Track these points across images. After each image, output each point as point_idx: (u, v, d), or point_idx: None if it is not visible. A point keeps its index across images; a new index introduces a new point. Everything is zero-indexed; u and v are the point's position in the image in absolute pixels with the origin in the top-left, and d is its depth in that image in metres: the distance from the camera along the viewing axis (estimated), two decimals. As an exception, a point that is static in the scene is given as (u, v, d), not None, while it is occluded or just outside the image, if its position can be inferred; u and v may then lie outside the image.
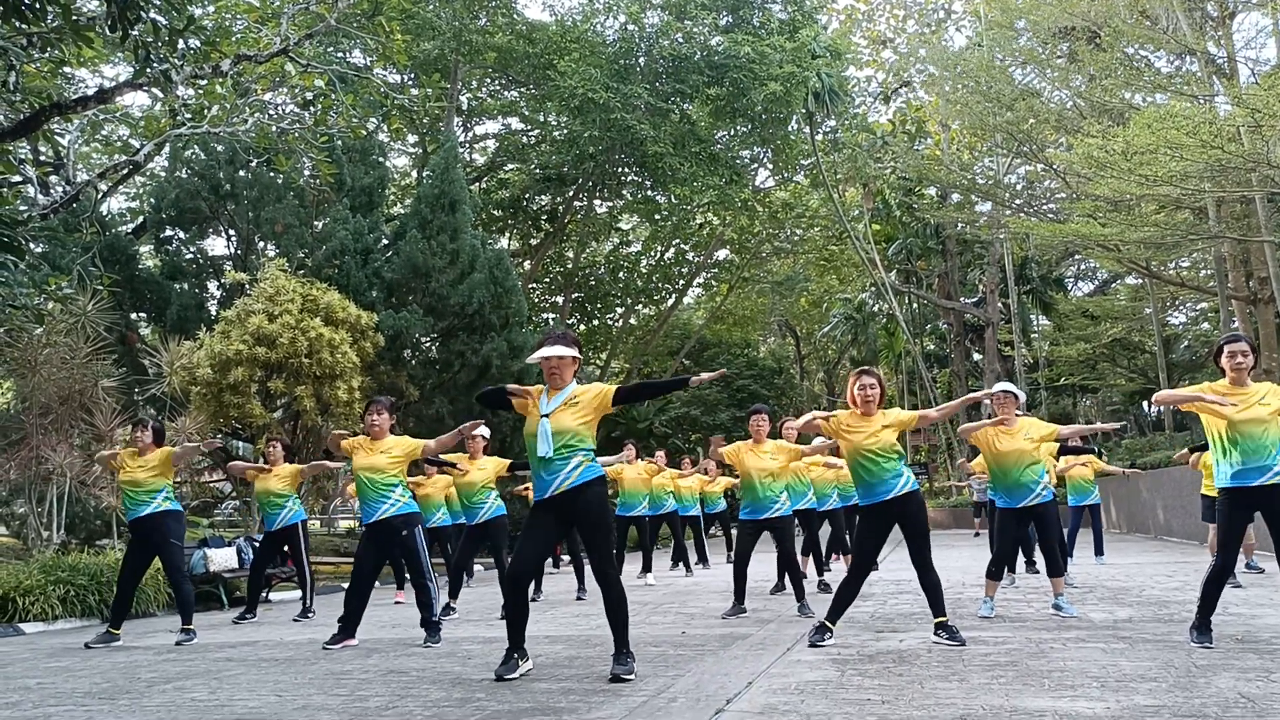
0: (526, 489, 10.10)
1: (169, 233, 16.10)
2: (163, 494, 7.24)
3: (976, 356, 36.62)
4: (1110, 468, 12.55)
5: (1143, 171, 15.90)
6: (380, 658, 5.82)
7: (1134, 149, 15.62)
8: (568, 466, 4.82)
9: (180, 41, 7.72)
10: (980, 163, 31.15)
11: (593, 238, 30.21)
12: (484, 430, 8.46)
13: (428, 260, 15.32)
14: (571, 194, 26.49)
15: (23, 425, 11.31)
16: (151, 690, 4.95)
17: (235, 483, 14.12)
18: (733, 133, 25.72)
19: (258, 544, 9.44)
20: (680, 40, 23.38)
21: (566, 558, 14.50)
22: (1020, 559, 10.10)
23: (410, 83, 23.25)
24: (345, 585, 6.96)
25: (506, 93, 26.24)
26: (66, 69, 12.65)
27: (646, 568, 11.46)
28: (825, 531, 10.76)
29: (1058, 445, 8.61)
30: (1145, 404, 35.73)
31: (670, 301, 31.63)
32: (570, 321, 28.91)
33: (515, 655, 4.86)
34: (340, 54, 20.76)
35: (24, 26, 7.00)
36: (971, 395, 6.67)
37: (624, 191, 27.31)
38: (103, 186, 11.29)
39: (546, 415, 4.89)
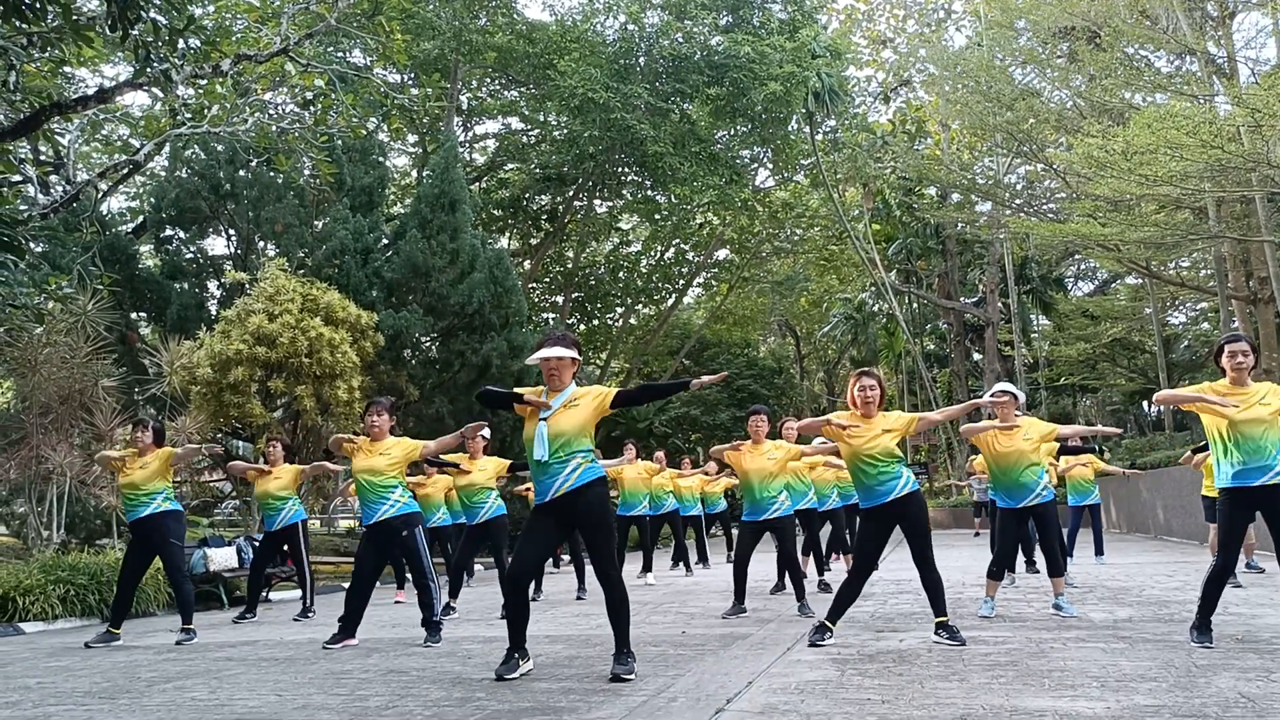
0: (527, 489, 10.10)
1: (169, 232, 16.10)
2: (162, 495, 7.24)
3: (976, 356, 36.62)
4: (1110, 468, 12.55)
5: (1143, 171, 15.90)
6: (380, 657, 5.82)
7: (1134, 149, 15.63)
8: (567, 468, 4.82)
9: (180, 41, 7.72)
10: (980, 162, 31.15)
11: (593, 237, 30.22)
12: (485, 431, 8.46)
13: (428, 260, 15.32)
14: (571, 194, 26.49)
15: (23, 425, 11.30)
16: (151, 690, 4.95)
17: (235, 482, 14.11)
18: (733, 133, 25.72)
19: (257, 544, 9.44)
20: (680, 40, 23.38)
21: (566, 557, 14.51)
22: (1020, 559, 10.10)
23: (410, 82, 23.26)
24: (345, 585, 6.96)
25: (506, 92, 26.25)
26: (67, 68, 12.65)
27: (647, 567, 11.46)
28: (825, 531, 10.76)
29: (1057, 445, 8.62)
30: (1145, 404, 35.75)
31: (670, 301, 31.63)
32: (570, 321, 28.91)
33: (516, 655, 4.86)
34: (340, 54, 20.76)
35: (24, 26, 7.00)
36: (974, 401, 6.65)
37: (624, 191, 27.32)
38: (103, 186, 11.29)
39: (545, 419, 4.88)
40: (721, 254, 32.03)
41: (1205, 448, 6.27)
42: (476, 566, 13.48)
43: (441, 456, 8.09)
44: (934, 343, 40.13)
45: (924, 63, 30.16)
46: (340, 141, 14.81)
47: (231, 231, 16.26)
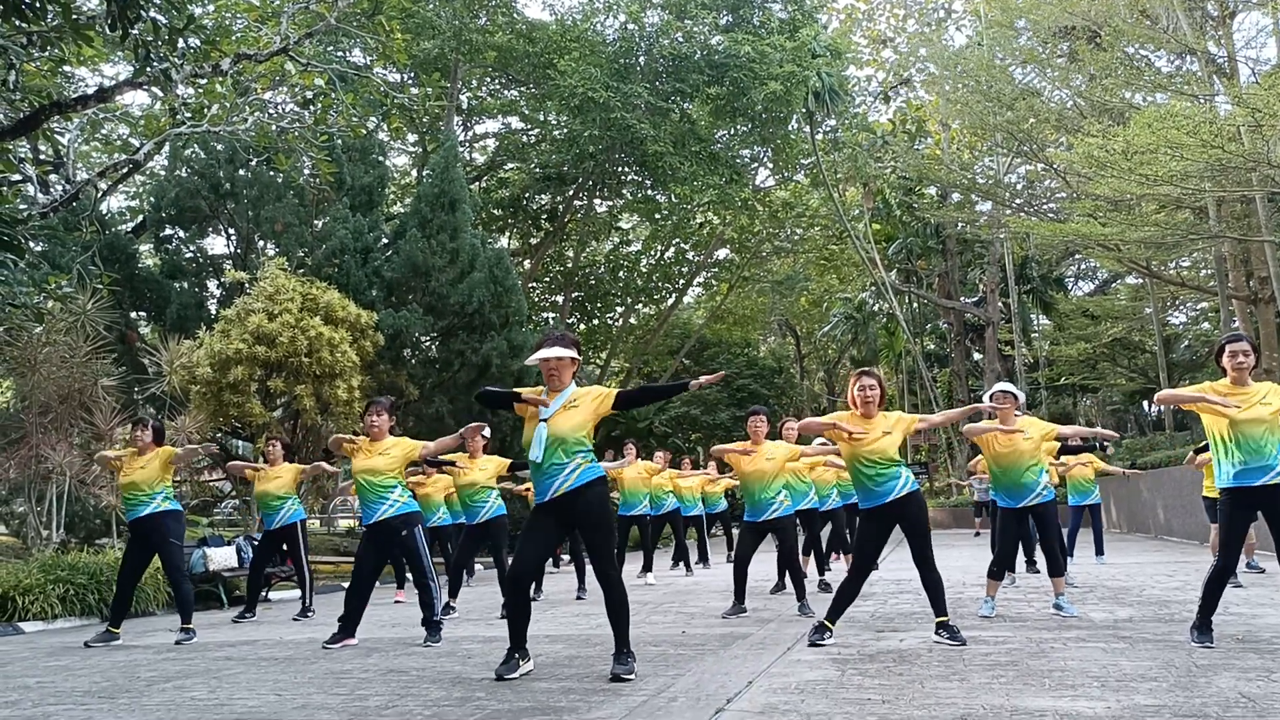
0: (526, 489, 10.09)
1: (169, 231, 16.10)
2: (162, 494, 7.24)
3: (977, 356, 36.62)
4: (1111, 467, 12.55)
5: (1143, 171, 15.90)
6: (380, 657, 5.81)
7: (1134, 148, 15.62)
8: (566, 469, 4.81)
9: (180, 40, 7.71)
10: (980, 162, 31.16)
11: (593, 237, 30.21)
12: (485, 431, 8.45)
13: (427, 259, 15.32)
14: (571, 193, 26.48)
15: (22, 424, 11.30)
16: (151, 689, 4.95)
17: (235, 482, 14.11)
18: (733, 132, 25.71)
19: (257, 543, 9.44)
20: (680, 39, 23.37)
21: (566, 557, 14.50)
22: (1021, 558, 10.10)
23: (410, 82, 23.25)
24: (345, 584, 6.96)
25: (506, 92, 26.24)
26: (66, 68, 12.65)
27: (647, 567, 11.46)
28: (825, 531, 10.76)
29: (1058, 445, 8.62)
30: (1145, 404, 35.75)
31: (670, 301, 31.62)
32: (570, 321, 28.91)
33: (516, 655, 4.85)
34: (340, 53, 20.74)
35: (24, 25, 7.00)
36: (974, 405, 6.64)
37: (624, 191, 27.31)
38: (102, 185, 11.28)
39: (545, 419, 4.88)
40: (721, 253, 32.03)
41: (1207, 448, 6.27)
42: (476, 566, 13.48)
43: (440, 457, 8.08)
44: (934, 342, 40.13)
45: (924, 62, 30.17)
46: (340, 141, 14.80)
47: (231, 231, 16.26)
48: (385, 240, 16.56)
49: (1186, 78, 20.91)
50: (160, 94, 15.44)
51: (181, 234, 16.17)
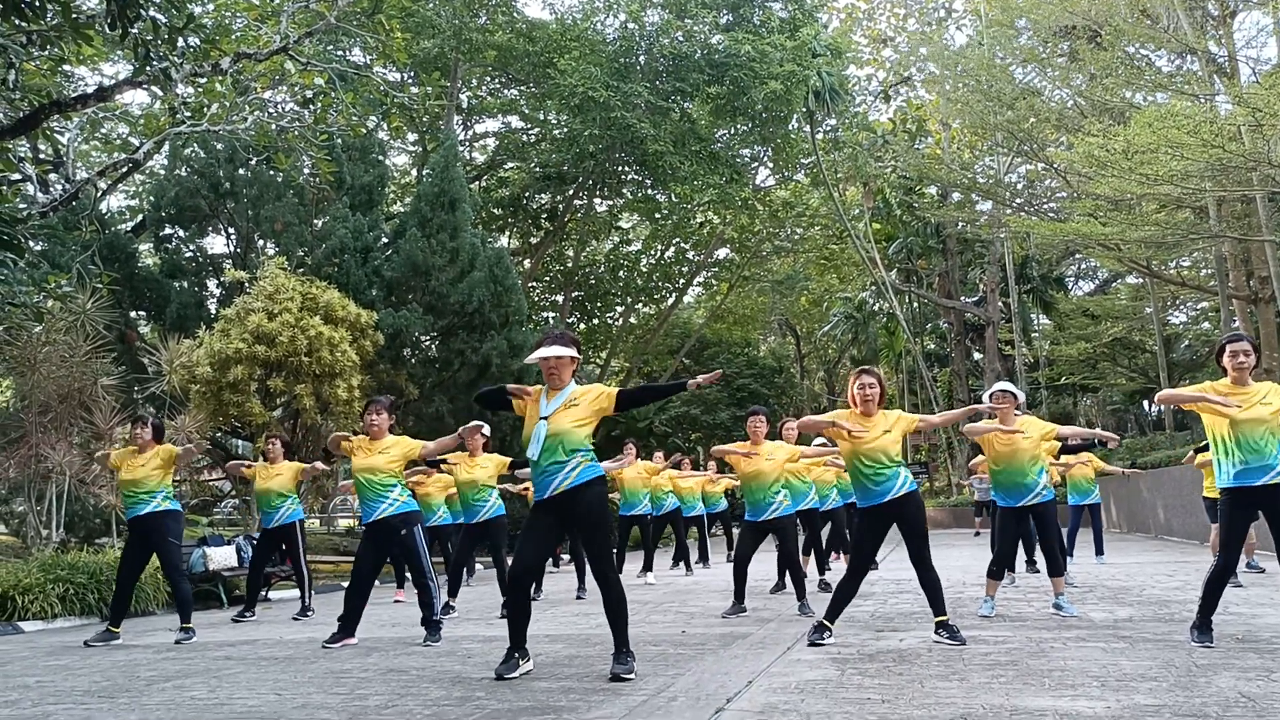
0: (525, 489, 10.09)
1: (168, 231, 16.09)
2: (162, 494, 7.23)
3: (977, 355, 36.62)
4: (1110, 467, 12.55)
5: (1143, 170, 15.90)
6: (380, 656, 5.81)
7: (1135, 148, 15.62)
8: (566, 467, 4.81)
9: (180, 39, 7.71)
10: (981, 161, 31.15)
11: (593, 236, 30.21)
12: (484, 429, 8.45)
13: (427, 259, 15.31)
14: (571, 192, 26.47)
15: (22, 423, 11.30)
16: (151, 688, 4.95)
17: (234, 481, 14.11)
18: (733, 131, 25.71)
19: (255, 542, 9.44)
20: (680, 39, 23.36)
21: (566, 557, 14.50)
22: (1021, 558, 10.09)
23: (410, 81, 23.24)
24: (345, 584, 6.96)
25: (506, 91, 26.23)
26: (66, 67, 12.63)
27: (648, 567, 11.46)
28: (825, 530, 10.75)
29: (1059, 445, 8.62)
30: (1145, 403, 35.76)
31: (670, 300, 31.62)
32: (570, 320, 28.91)
33: (516, 654, 4.85)
34: (340, 52, 20.74)
35: (24, 24, 6.99)
36: (973, 406, 6.63)
37: (624, 190, 27.31)
38: (102, 184, 11.27)
39: (545, 417, 4.88)
40: (722, 253, 32.03)
41: (1205, 447, 6.27)
42: (477, 566, 13.48)
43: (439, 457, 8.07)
44: (934, 342, 40.14)
45: (924, 61, 30.15)
46: (340, 140, 14.79)
47: (231, 230, 16.25)
48: (385, 239, 16.56)
49: (1187, 77, 20.90)
50: (160, 93, 15.44)
51: (181, 233, 16.17)
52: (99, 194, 12.77)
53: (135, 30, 6.92)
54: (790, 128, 26.47)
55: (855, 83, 33.45)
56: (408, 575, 8.16)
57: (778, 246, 31.92)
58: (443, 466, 8.79)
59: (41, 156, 14.45)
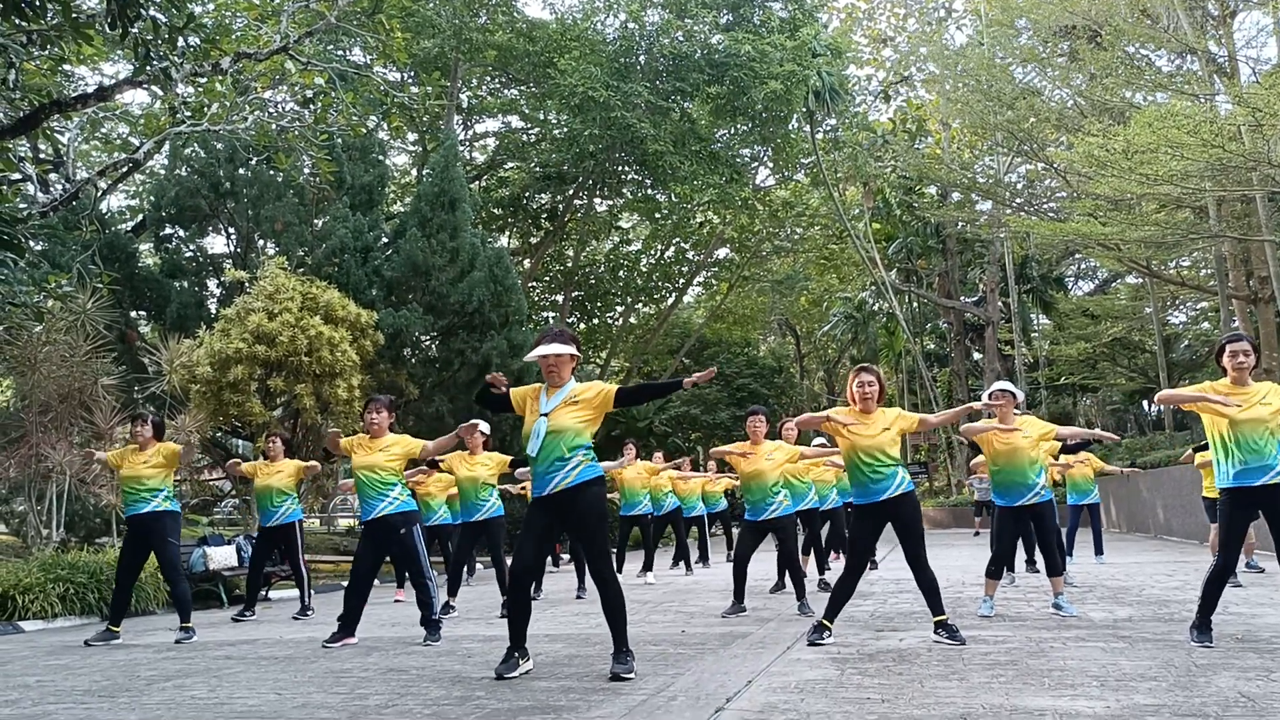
0: (525, 489, 10.09)
1: (169, 230, 16.09)
2: (164, 494, 7.23)
3: (977, 355, 36.62)
4: (1110, 467, 12.56)
5: (1143, 170, 15.90)
6: (380, 656, 5.81)
7: (1135, 148, 15.62)
8: (567, 466, 4.82)
9: (180, 39, 7.71)
10: (981, 161, 31.14)
11: (593, 236, 30.20)
12: (483, 426, 8.46)
13: (427, 258, 15.31)
14: (571, 192, 26.48)
15: (22, 423, 11.30)
16: (151, 688, 4.95)
17: (234, 481, 14.12)
18: (733, 131, 25.71)
19: (255, 541, 9.44)
20: (680, 38, 23.36)
21: (566, 556, 14.50)
22: (1020, 558, 10.10)
23: (410, 81, 23.23)
24: (345, 583, 6.97)
25: (506, 91, 26.23)
26: (66, 66, 12.64)
27: (648, 567, 11.46)
28: (824, 530, 10.76)
29: (1059, 445, 8.63)
30: (1145, 403, 35.76)
31: (670, 300, 31.62)
32: (570, 320, 28.91)
33: (516, 654, 4.85)
34: (340, 52, 20.74)
35: (24, 23, 6.99)
36: (968, 405, 6.61)
37: (624, 190, 27.30)
38: (102, 184, 11.28)
39: (545, 414, 4.88)
40: (721, 253, 32.03)
41: (1204, 446, 6.27)
42: (477, 565, 13.47)
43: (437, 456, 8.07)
44: (934, 342, 40.14)
45: (924, 61, 30.18)
46: (340, 140, 14.79)
47: (231, 230, 16.25)
48: (385, 239, 16.56)
49: (1187, 77, 20.90)
50: (160, 93, 15.44)
51: (181, 233, 16.16)
52: (99, 194, 12.77)
53: (135, 30, 6.92)
54: (790, 128, 26.48)
55: (855, 83, 33.46)
56: (407, 575, 8.16)
57: (778, 246, 31.93)
58: (441, 465, 8.79)
59: (42, 156, 14.46)
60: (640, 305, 31.82)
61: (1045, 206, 26.93)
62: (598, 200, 28.05)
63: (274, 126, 10.16)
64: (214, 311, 14.41)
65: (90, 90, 9.77)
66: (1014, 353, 31.57)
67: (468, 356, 15.69)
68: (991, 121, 24.06)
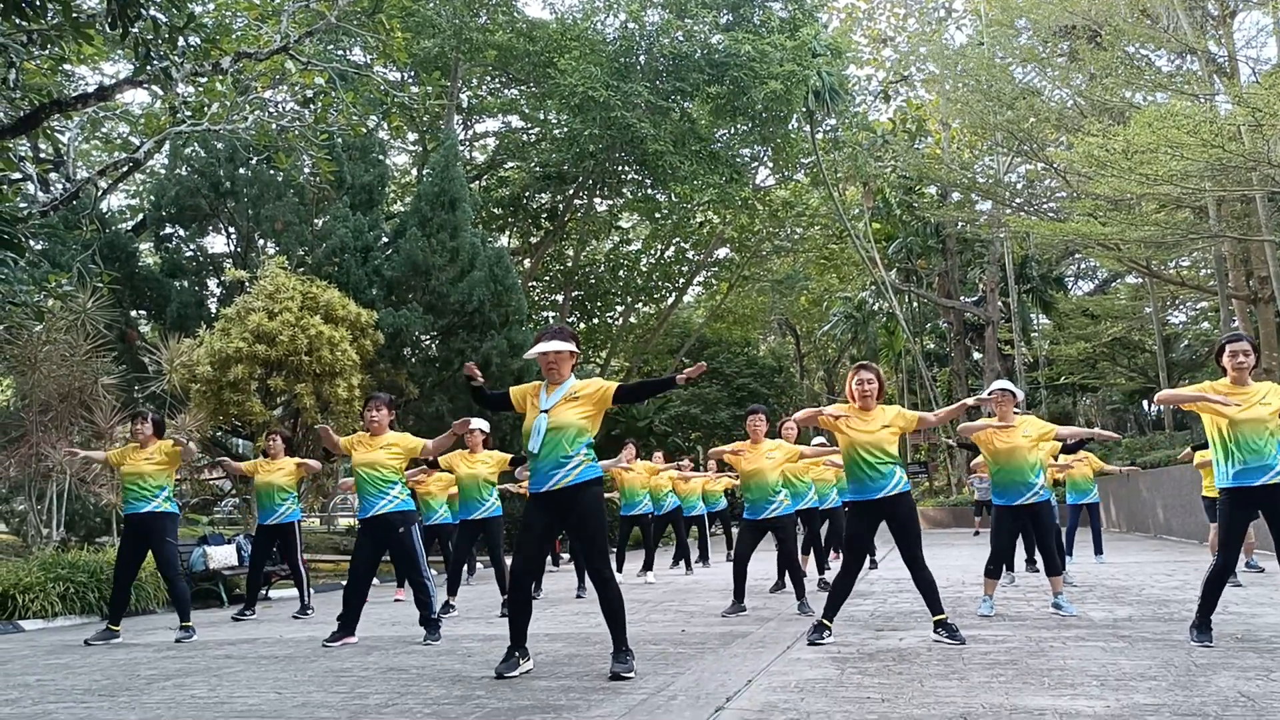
0: (524, 488, 10.09)
1: (169, 230, 16.09)
2: (164, 494, 7.23)
3: (976, 355, 36.64)
4: (1109, 466, 12.56)
5: (1143, 170, 15.90)
6: (380, 655, 5.81)
7: (1134, 148, 15.62)
8: (569, 464, 4.82)
9: (180, 39, 7.71)
10: (980, 161, 31.16)
11: (593, 236, 30.21)
12: (481, 424, 8.46)
13: (428, 258, 15.32)
14: (571, 192, 26.48)
15: (22, 422, 11.30)
16: (151, 687, 4.95)
17: (235, 480, 14.13)
18: (733, 131, 25.71)
19: (253, 540, 9.44)
20: (680, 38, 23.36)
21: (566, 555, 14.50)
22: (1020, 557, 10.10)
23: (410, 80, 23.23)
24: (345, 583, 6.97)
25: (507, 91, 26.24)
26: (67, 66, 12.64)
27: (648, 566, 11.47)
28: (824, 530, 10.76)
29: (1059, 446, 8.63)
30: (1145, 403, 35.77)
31: (670, 300, 31.63)
32: (570, 320, 28.92)
33: (516, 653, 4.85)
34: (340, 51, 20.74)
35: (24, 23, 7.00)
36: (963, 402, 6.51)
37: (624, 190, 27.31)
38: (103, 184, 11.29)
39: (546, 411, 4.89)
40: (721, 252, 32.04)
41: (1204, 445, 6.27)
42: (477, 565, 13.47)
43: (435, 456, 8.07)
44: (934, 342, 40.15)
45: (924, 61, 30.17)
46: (340, 139, 14.79)
47: (231, 229, 16.26)
48: (385, 239, 16.56)
49: (1187, 77, 20.90)
50: (160, 92, 15.44)
51: (182, 232, 16.17)
52: (99, 193, 12.78)
53: (136, 29, 6.92)
54: (790, 127, 26.48)
55: (855, 83, 33.48)
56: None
57: (778, 246, 31.94)
58: (441, 464, 8.79)
59: (42, 156, 14.46)
60: (640, 305, 31.83)
61: (1045, 206, 26.93)
62: (598, 200, 28.05)
63: (274, 126, 10.17)
64: (214, 311, 14.41)
65: (90, 90, 9.77)
66: (1014, 352, 31.58)
67: (468, 356, 15.67)
68: (991, 121, 24.06)
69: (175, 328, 13.63)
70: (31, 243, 8.11)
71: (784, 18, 24.94)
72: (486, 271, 15.98)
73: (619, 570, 11.29)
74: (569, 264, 29.33)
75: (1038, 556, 9.07)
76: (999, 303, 32.79)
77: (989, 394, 6.96)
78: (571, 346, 4.97)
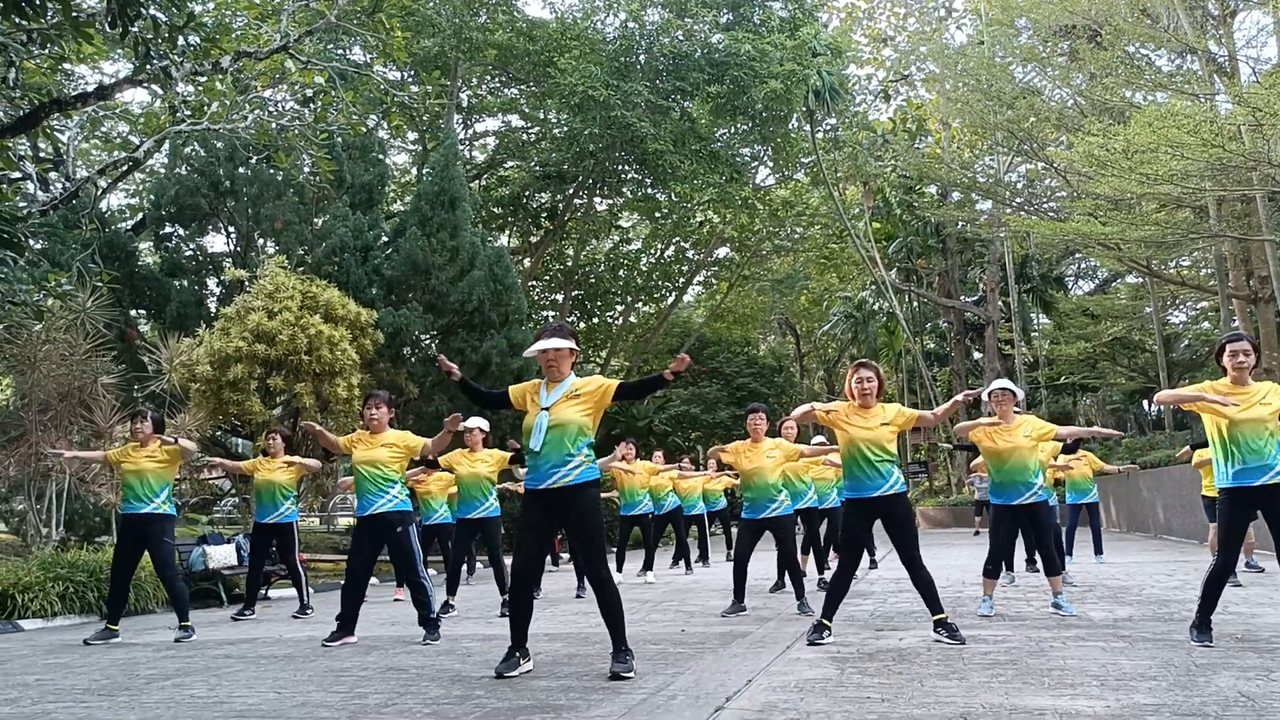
0: (521, 487, 10.07)
1: (169, 229, 16.09)
2: (164, 495, 7.22)
3: (977, 355, 36.63)
4: (1109, 466, 12.55)
5: (1143, 170, 15.89)
6: (379, 655, 5.81)
7: (1135, 147, 15.61)
8: (570, 464, 4.81)
9: (180, 38, 7.70)
10: (981, 161, 31.14)
11: (593, 235, 30.21)
12: (480, 423, 8.46)
13: (427, 257, 15.32)
14: (571, 191, 26.48)
15: (22, 422, 11.30)
16: (150, 687, 4.95)
17: (234, 480, 14.13)
18: (733, 130, 25.71)
19: (251, 539, 9.44)
20: (680, 38, 23.36)
21: (566, 555, 14.49)
22: (1020, 557, 10.09)
23: (410, 80, 23.24)
24: (343, 582, 6.97)
25: (506, 90, 26.23)
26: (66, 65, 12.63)
27: (648, 566, 11.46)
28: (824, 529, 10.75)
29: (1060, 446, 8.62)
30: (1145, 403, 35.75)
31: (670, 299, 31.64)
32: (570, 319, 28.92)
33: (517, 653, 4.85)
34: (340, 51, 20.74)
35: (24, 22, 6.99)
36: (956, 398, 6.36)
37: (624, 189, 27.31)
38: (102, 183, 11.28)
39: (546, 408, 4.89)
40: (721, 252, 32.04)
41: (1203, 444, 6.27)
42: (477, 564, 13.47)
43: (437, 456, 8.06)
44: (934, 341, 40.15)
45: (924, 61, 30.14)
46: (340, 139, 14.79)
47: (231, 229, 16.26)
48: (385, 238, 16.56)
49: (1187, 77, 20.89)
50: (160, 92, 15.43)
51: (181, 232, 16.17)
52: (99, 192, 12.78)
53: (135, 29, 6.91)
54: (790, 127, 26.47)
55: (855, 82, 33.47)
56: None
57: (778, 246, 31.93)
58: (440, 463, 8.79)
59: (42, 155, 14.44)
60: (640, 304, 31.83)
61: (1045, 206, 26.92)
62: (598, 199, 28.05)
63: (274, 125, 10.17)
64: (214, 310, 14.42)
65: (90, 89, 9.77)
66: (1014, 352, 31.58)
67: (467, 355, 15.69)
68: (991, 121, 24.06)
69: (175, 327, 13.63)
70: (31, 242, 8.10)
71: (784, 17, 24.93)
72: (486, 271, 15.98)
73: (619, 570, 11.28)
74: (569, 263, 29.33)
75: (1038, 556, 9.08)
76: (999, 302, 32.78)
77: (988, 393, 6.95)
78: (571, 344, 4.98)
